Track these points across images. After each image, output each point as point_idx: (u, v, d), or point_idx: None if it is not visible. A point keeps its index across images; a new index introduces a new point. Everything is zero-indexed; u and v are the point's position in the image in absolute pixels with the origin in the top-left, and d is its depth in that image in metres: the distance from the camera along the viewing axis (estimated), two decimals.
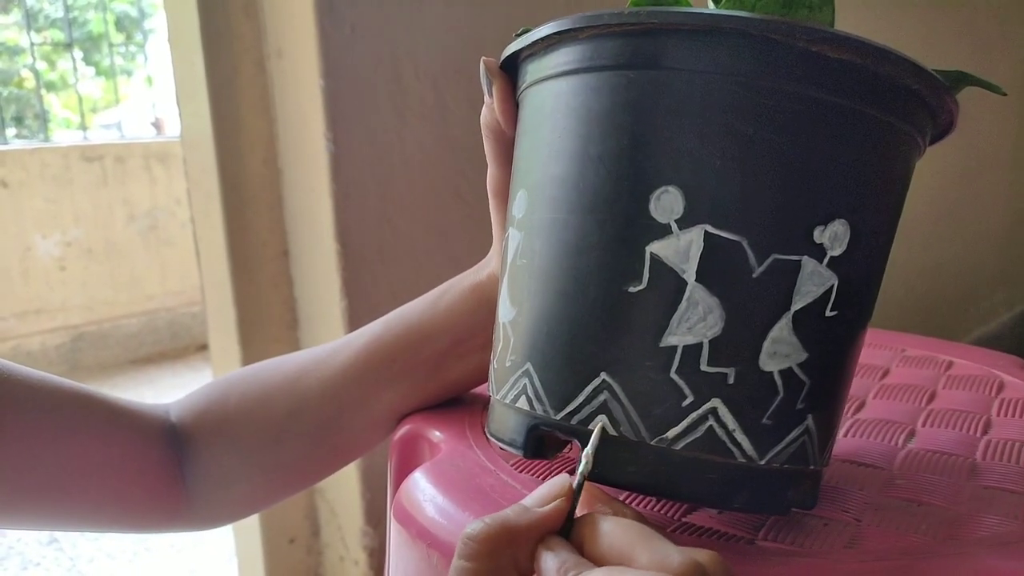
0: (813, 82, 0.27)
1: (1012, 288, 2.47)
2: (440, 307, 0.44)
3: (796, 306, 0.28)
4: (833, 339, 0.29)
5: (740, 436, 0.28)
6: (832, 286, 0.29)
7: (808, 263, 0.28)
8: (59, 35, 4.03)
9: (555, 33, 0.30)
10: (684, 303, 0.28)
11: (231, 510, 0.48)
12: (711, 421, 0.28)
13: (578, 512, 0.27)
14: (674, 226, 0.28)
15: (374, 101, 0.90)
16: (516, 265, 0.32)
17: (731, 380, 0.28)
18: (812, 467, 0.30)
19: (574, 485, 0.27)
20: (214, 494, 0.46)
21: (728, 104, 0.27)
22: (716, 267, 0.27)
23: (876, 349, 0.57)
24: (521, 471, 0.38)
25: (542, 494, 0.27)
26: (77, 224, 2.81)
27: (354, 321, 0.91)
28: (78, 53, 4.21)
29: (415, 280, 0.96)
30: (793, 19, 0.29)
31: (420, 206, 0.96)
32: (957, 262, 2.15)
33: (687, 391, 0.28)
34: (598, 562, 0.25)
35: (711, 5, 0.32)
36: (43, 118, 3.50)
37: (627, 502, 0.34)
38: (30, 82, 3.80)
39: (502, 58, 0.35)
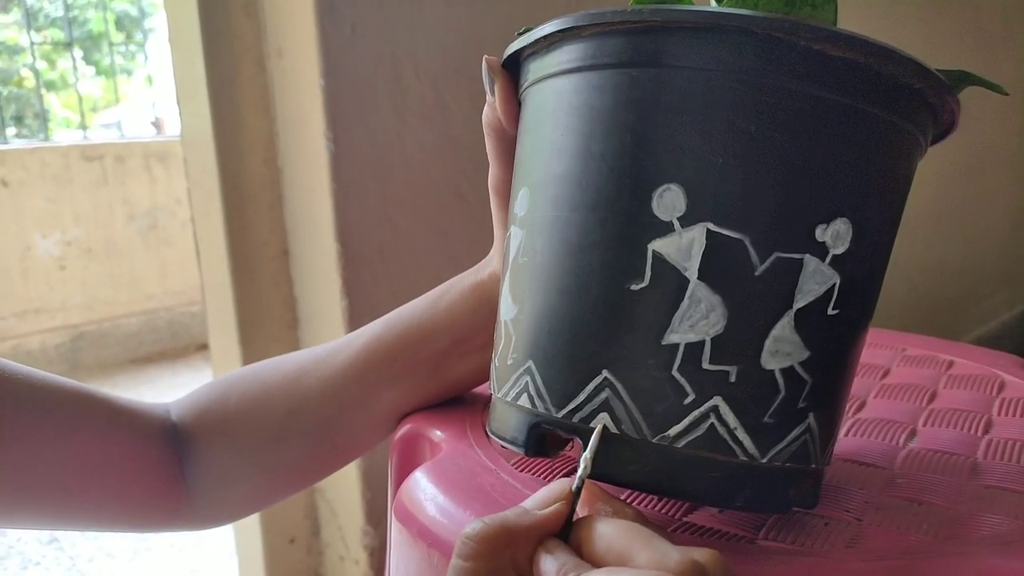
0: (815, 80, 0.27)
1: (1013, 288, 2.47)
2: (441, 306, 0.44)
3: (798, 304, 0.28)
4: (835, 338, 0.29)
5: (742, 434, 0.28)
6: (834, 285, 0.29)
7: (810, 261, 0.28)
8: (59, 34, 4.03)
9: (557, 31, 0.30)
10: (686, 301, 0.28)
11: (231, 509, 0.48)
12: (713, 419, 0.28)
13: (579, 512, 0.27)
14: (676, 224, 0.28)
15: (374, 100, 0.90)
16: (518, 263, 0.32)
17: (733, 378, 0.28)
18: (813, 466, 0.30)
19: (573, 488, 0.27)
20: (214, 493, 0.46)
21: (730, 102, 0.27)
22: (718, 265, 0.27)
23: (877, 349, 0.57)
24: (522, 470, 0.38)
25: (542, 497, 0.27)
26: (77, 223, 2.81)
27: (354, 321, 0.91)
28: (78, 52, 4.21)
29: (415, 280, 0.96)
30: (796, 17, 0.29)
31: (420, 205, 0.96)
32: (958, 262, 2.15)
33: (689, 389, 0.28)
34: (597, 564, 0.25)
35: (713, 3, 0.32)
36: (43, 117, 3.50)
37: (628, 500, 0.34)
38: (30, 81, 3.80)
39: (504, 57, 0.35)
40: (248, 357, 0.95)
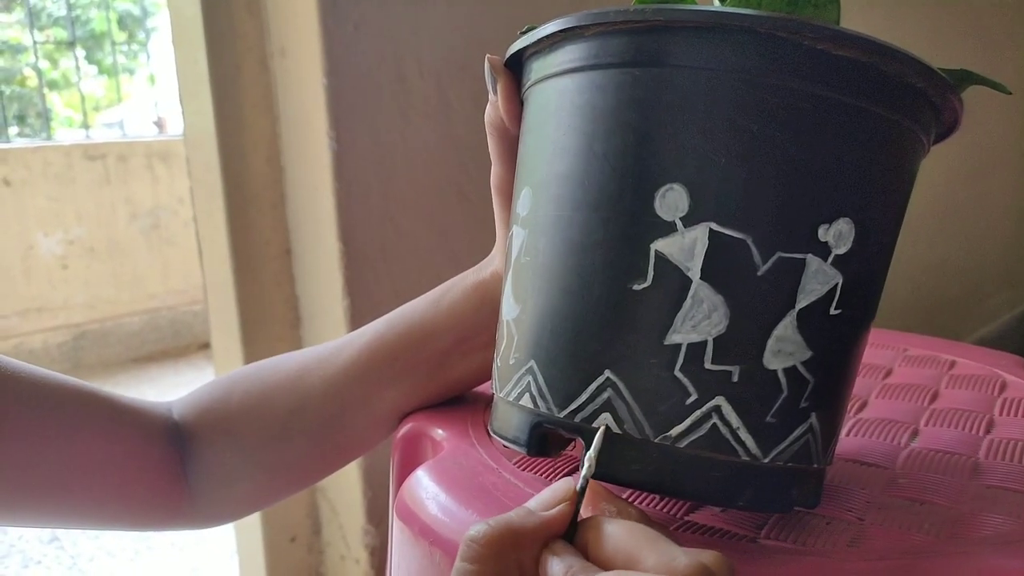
0: (818, 80, 0.27)
1: (1016, 289, 2.46)
2: (443, 305, 0.44)
3: (800, 304, 0.28)
4: (837, 337, 0.29)
5: (744, 434, 0.28)
6: (836, 284, 0.29)
7: (813, 261, 0.28)
8: (62, 33, 4.04)
9: (560, 31, 0.30)
10: (689, 301, 0.28)
11: (233, 508, 0.48)
12: (715, 419, 0.28)
13: (582, 512, 0.27)
14: (679, 224, 0.28)
15: (377, 99, 0.90)
16: (520, 263, 0.32)
17: (735, 378, 0.28)
18: (815, 465, 0.30)
19: (577, 488, 0.27)
20: (216, 492, 0.46)
21: (733, 101, 0.27)
22: (721, 265, 0.27)
23: (878, 349, 0.57)
24: (524, 469, 0.38)
25: (546, 498, 0.27)
26: (79, 222, 2.82)
27: (356, 320, 0.91)
28: (80, 52, 4.21)
29: (417, 279, 0.96)
30: (799, 16, 0.29)
31: (423, 205, 0.96)
32: (961, 261, 2.15)
33: (691, 389, 0.28)
34: (604, 565, 0.25)
35: (716, 3, 0.32)
36: (45, 117, 3.50)
37: (631, 500, 0.34)
38: (33, 80, 3.81)
39: (507, 56, 0.35)
40: (250, 356, 0.95)
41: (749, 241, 0.27)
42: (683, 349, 0.28)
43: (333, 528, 1.03)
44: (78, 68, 3.83)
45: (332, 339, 0.47)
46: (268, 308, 0.97)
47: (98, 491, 0.42)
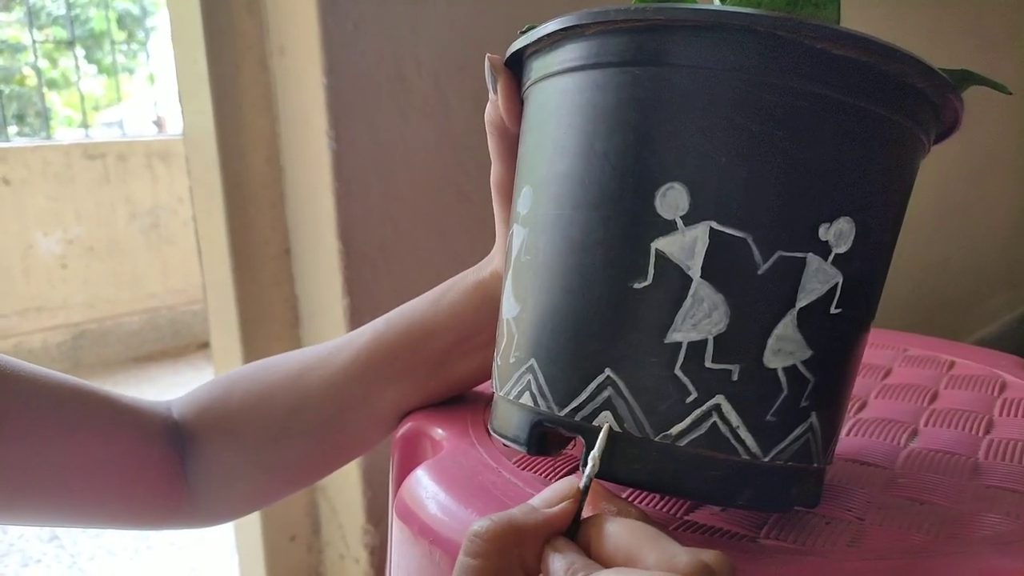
0: (818, 79, 0.27)
1: (1016, 290, 2.47)
2: (443, 304, 0.44)
3: (801, 303, 0.28)
4: (837, 337, 0.29)
5: (744, 433, 0.28)
6: (837, 283, 0.29)
7: (813, 260, 0.28)
8: (61, 33, 4.04)
9: (561, 30, 0.30)
10: (689, 300, 0.28)
11: (232, 507, 0.48)
12: (715, 418, 0.28)
13: (584, 512, 0.27)
14: (679, 222, 0.28)
15: (377, 99, 0.90)
16: (520, 261, 0.32)
17: (735, 377, 0.28)
18: (815, 465, 0.30)
19: (580, 486, 0.27)
20: (216, 491, 0.46)
21: (733, 101, 0.27)
22: (721, 264, 0.27)
23: (878, 349, 0.57)
24: (524, 468, 0.38)
25: (549, 496, 0.27)
26: (79, 222, 2.82)
27: (356, 319, 0.91)
28: (80, 51, 4.21)
29: (417, 278, 0.96)
30: (798, 16, 0.29)
31: (422, 204, 0.96)
32: (961, 263, 2.15)
33: (691, 388, 0.28)
34: (605, 563, 0.25)
35: (717, 2, 0.32)
36: (45, 116, 3.50)
37: (631, 499, 0.34)
38: (32, 80, 3.81)
39: (507, 55, 0.35)
40: (249, 356, 0.95)
41: (749, 240, 0.27)
42: (683, 348, 0.28)
43: (333, 527, 1.03)
44: (77, 67, 3.83)
45: (331, 339, 0.47)
46: (267, 307, 0.97)
47: (97, 490, 0.42)
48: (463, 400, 0.47)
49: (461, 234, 0.99)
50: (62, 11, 3.81)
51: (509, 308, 0.33)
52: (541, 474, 0.38)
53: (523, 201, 0.33)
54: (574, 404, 0.29)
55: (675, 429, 0.28)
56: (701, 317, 0.28)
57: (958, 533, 0.32)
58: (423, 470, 0.39)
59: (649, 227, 0.28)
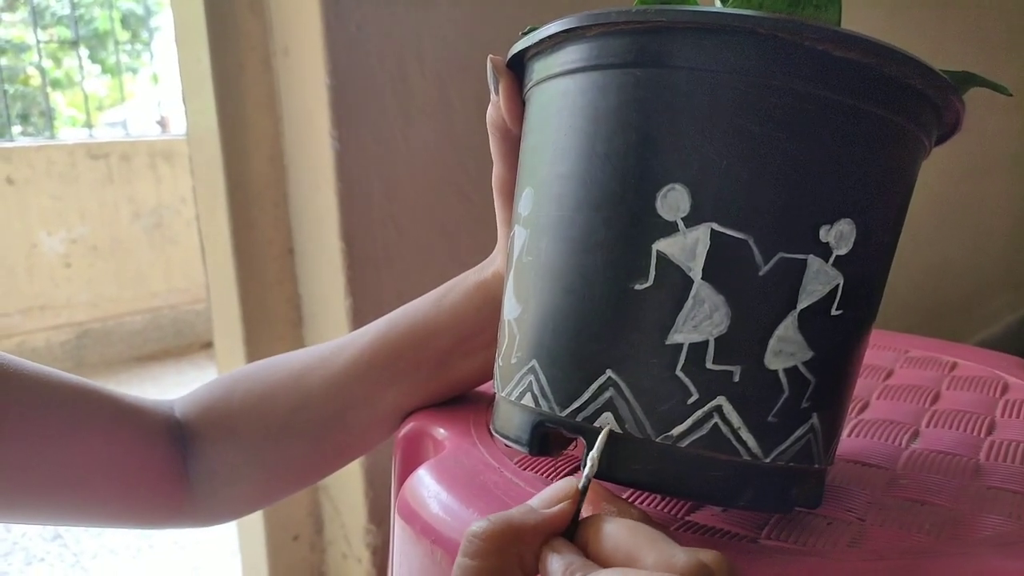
0: (819, 81, 0.27)
1: (1017, 291, 2.46)
2: (444, 305, 0.44)
3: (802, 305, 0.28)
4: (838, 338, 0.30)
5: (745, 434, 0.28)
6: (838, 285, 0.29)
7: (814, 262, 0.28)
8: (65, 33, 4.05)
9: (562, 31, 0.30)
10: (690, 301, 0.28)
11: (234, 506, 0.48)
12: (716, 419, 0.28)
13: (584, 512, 0.27)
14: (680, 224, 0.28)
15: (380, 99, 0.90)
16: (522, 262, 0.32)
17: (736, 378, 0.28)
18: (817, 466, 0.30)
19: (580, 487, 0.27)
20: (217, 490, 0.46)
21: (734, 102, 0.27)
22: (722, 265, 0.28)
23: (880, 350, 0.57)
24: (525, 468, 0.38)
25: (548, 496, 0.27)
26: (82, 221, 2.82)
27: (359, 319, 0.91)
28: (84, 51, 4.22)
29: (420, 278, 0.96)
30: (800, 17, 0.29)
31: (425, 204, 0.96)
32: (962, 265, 2.15)
33: (692, 389, 0.28)
34: (603, 563, 0.25)
35: (718, 3, 0.32)
36: (49, 115, 3.51)
37: (632, 500, 0.35)
38: (36, 80, 3.81)
39: (509, 56, 0.35)
40: (252, 355, 0.95)
41: (751, 241, 0.27)
42: (684, 349, 0.28)
43: (335, 527, 1.03)
44: (81, 67, 3.84)
45: (334, 338, 0.47)
46: (270, 307, 0.97)
47: (99, 489, 0.42)
48: (465, 400, 0.47)
49: (463, 234, 0.99)
50: (66, 11, 3.82)
51: (510, 309, 0.33)
52: (543, 474, 0.38)
53: (524, 202, 0.33)
54: (575, 405, 0.29)
55: (676, 430, 0.28)
56: (702, 318, 0.28)
57: (959, 534, 0.32)
58: (425, 470, 0.39)
59: (650, 228, 0.28)
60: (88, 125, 3.51)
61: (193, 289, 3.03)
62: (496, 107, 0.37)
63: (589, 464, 0.27)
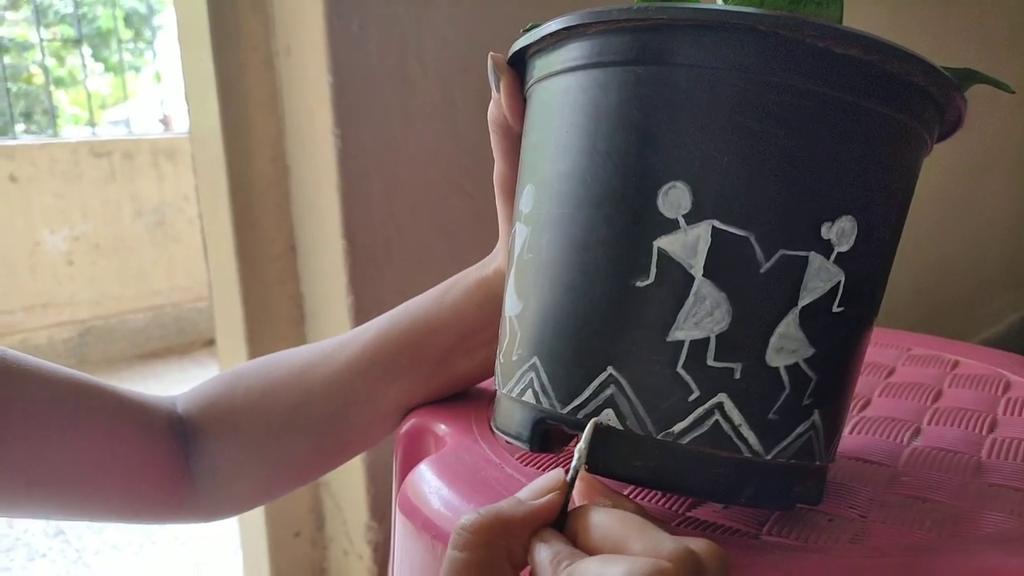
0: (820, 78, 0.27)
1: (1019, 291, 2.46)
2: (446, 302, 0.44)
3: (803, 302, 0.28)
4: (840, 335, 0.30)
5: (746, 431, 0.28)
6: (839, 282, 0.29)
7: (815, 259, 0.28)
8: (68, 31, 4.05)
9: (563, 29, 0.30)
10: (691, 298, 0.28)
11: (236, 502, 0.48)
12: (717, 416, 0.28)
13: (579, 504, 0.27)
14: (682, 221, 0.28)
15: (381, 98, 0.90)
16: (523, 259, 0.32)
17: (737, 375, 0.28)
18: (818, 463, 0.30)
19: (567, 478, 0.27)
20: (219, 486, 0.46)
21: (735, 100, 0.27)
22: (723, 262, 0.28)
23: (882, 348, 0.57)
24: (527, 465, 0.38)
25: (536, 487, 0.28)
26: (85, 219, 2.83)
27: (360, 317, 0.91)
28: (87, 49, 4.23)
29: (421, 276, 0.96)
30: (800, 15, 0.29)
31: (427, 203, 0.96)
32: (963, 263, 2.14)
33: (693, 386, 0.28)
34: (592, 553, 0.25)
35: (719, 1, 0.32)
36: (52, 114, 3.51)
37: (632, 496, 0.35)
38: (39, 78, 3.82)
39: (510, 54, 0.36)
40: (254, 353, 0.96)
41: (752, 239, 0.27)
42: (685, 346, 0.28)
43: (337, 524, 1.03)
44: (84, 66, 3.84)
45: (336, 336, 0.47)
46: (272, 305, 0.97)
47: (102, 484, 0.42)
48: (466, 396, 0.47)
49: (465, 232, 0.99)
50: (69, 9, 3.82)
51: (512, 306, 0.33)
52: (544, 470, 0.38)
53: (526, 199, 0.33)
54: (576, 402, 0.29)
55: (677, 427, 0.28)
56: (703, 315, 0.28)
57: (961, 531, 0.32)
58: (426, 465, 0.39)
59: (651, 226, 0.28)
60: (91, 123, 3.51)
61: (195, 287, 3.03)
62: (497, 104, 0.38)
63: (577, 455, 0.27)
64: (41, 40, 3.39)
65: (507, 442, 0.36)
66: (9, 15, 3.70)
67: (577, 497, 0.28)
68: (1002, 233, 2.34)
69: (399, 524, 0.38)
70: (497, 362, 0.34)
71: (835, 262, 0.28)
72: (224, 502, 0.47)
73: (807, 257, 0.28)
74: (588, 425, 0.28)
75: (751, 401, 0.28)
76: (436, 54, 0.94)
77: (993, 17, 2.03)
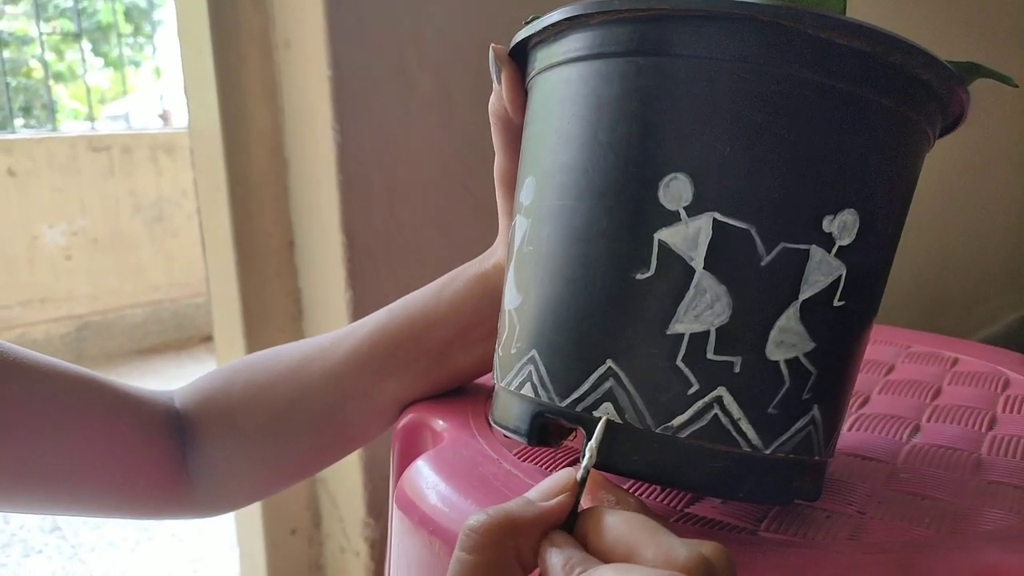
0: (822, 69, 0.27)
1: (1019, 289, 2.46)
2: (444, 296, 0.44)
3: (804, 295, 0.28)
4: (840, 329, 0.29)
5: (745, 425, 0.28)
6: (840, 276, 0.29)
7: (816, 252, 0.28)
8: (68, 25, 4.04)
9: (565, 19, 0.30)
10: (692, 291, 0.28)
11: (233, 497, 0.48)
12: (716, 410, 0.28)
13: (582, 502, 0.27)
14: (683, 213, 0.28)
15: (381, 92, 0.90)
16: (523, 252, 0.32)
17: (737, 369, 0.28)
18: (817, 458, 0.30)
19: (578, 478, 0.27)
20: (216, 481, 0.46)
21: (737, 91, 0.27)
22: (724, 255, 0.27)
23: (881, 345, 0.57)
24: (524, 459, 0.38)
25: (546, 488, 0.27)
26: (84, 214, 2.82)
27: (359, 312, 0.91)
28: (87, 44, 4.22)
29: (420, 271, 0.96)
30: (802, 5, 0.29)
31: (425, 197, 0.96)
32: (964, 260, 2.14)
33: (693, 379, 0.28)
34: (603, 557, 0.25)
35: None
36: (51, 108, 3.51)
37: (631, 490, 0.34)
38: (38, 72, 3.81)
39: (511, 45, 0.35)
40: (252, 348, 0.95)
41: (753, 231, 0.27)
42: (685, 339, 0.28)
43: (333, 521, 1.03)
44: (84, 60, 3.84)
45: (334, 331, 0.47)
46: (270, 300, 0.97)
47: (97, 478, 0.42)
48: (464, 391, 0.47)
49: (464, 227, 0.99)
50: (69, 3, 3.81)
51: (511, 299, 0.33)
52: (542, 465, 0.38)
53: (526, 192, 0.33)
54: (575, 395, 0.29)
55: (676, 421, 0.28)
56: (703, 308, 0.28)
57: (959, 528, 0.32)
58: (423, 461, 0.39)
59: (652, 218, 0.28)
60: (90, 118, 3.51)
61: (193, 282, 3.03)
62: (498, 96, 0.37)
63: (588, 455, 0.27)
64: (40, 34, 3.38)
65: (505, 436, 0.36)
66: (9, 9, 3.69)
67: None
68: (1003, 230, 2.34)
69: (396, 520, 0.38)
70: (496, 355, 0.34)
71: (836, 256, 0.28)
72: (221, 497, 0.47)
73: (808, 250, 0.28)
74: (600, 422, 0.28)
75: (750, 395, 0.28)
76: (436, 48, 0.93)
77: (996, 11, 2.03)
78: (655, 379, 0.28)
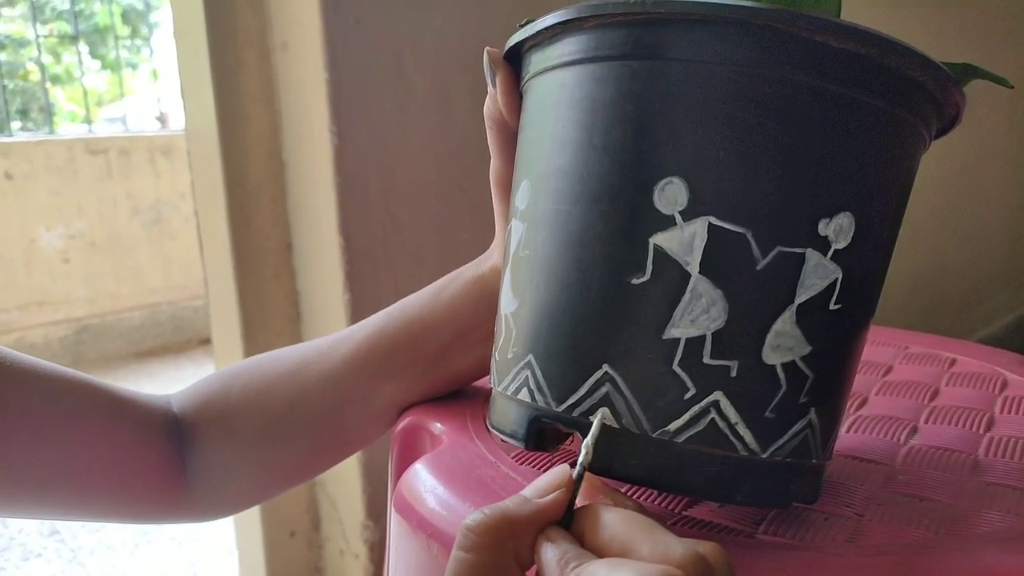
0: (815, 72, 0.27)
1: (1015, 291, 2.46)
2: (442, 299, 0.44)
3: (800, 299, 0.28)
4: (837, 333, 0.29)
5: (742, 429, 0.28)
6: (836, 279, 0.29)
7: (812, 256, 0.28)
8: (65, 28, 4.04)
9: (560, 23, 0.30)
10: (687, 295, 0.28)
11: (231, 502, 0.48)
12: (713, 414, 0.28)
13: (579, 503, 0.27)
14: (678, 217, 0.27)
15: (378, 94, 0.90)
16: (519, 256, 0.32)
17: (734, 373, 0.28)
18: (814, 461, 0.30)
19: (574, 476, 0.27)
20: (214, 486, 0.46)
21: (731, 94, 0.27)
22: (720, 259, 0.27)
23: (879, 346, 0.57)
24: (522, 463, 0.38)
25: (542, 485, 0.27)
26: (81, 217, 2.82)
27: (357, 314, 0.91)
28: (84, 46, 4.21)
29: (417, 273, 0.96)
30: (797, 8, 0.29)
31: (423, 199, 0.96)
32: (960, 262, 2.14)
33: (689, 384, 0.28)
34: (599, 553, 0.25)
35: None
36: (48, 111, 3.50)
37: (628, 495, 0.34)
38: (35, 75, 3.81)
39: (506, 48, 0.35)
40: (250, 351, 0.95)
41: (748, 235, 0.27)
42: (681, 344, 0.28)
43: (332, 523, 1.03)
44: (81, 63, 3.83)
45: (332, 334, 0.47)
46: (268, 303, 0.97)
47: (96, 483, 0.42)
48: (462, 395, 0.47)
49: (461, 229, 0.99)
50: (66, 6, 3.81)
51: (507, 303, 0.33)
52: (539, 469, 0.38)
53: (521, 195, 0.33)
54: (572, 400, 0.29)
55: (673, 425, 0.28)
56: (699, 313, 0.28)
57: (958, 529, 0.32)
58: (422, 464, 0.38)
59: (648, 222, 0.28)
60: (87, 121, 3.50)
61: (191, 285, 3.03)
62: (493, 100, 0.37)
63: (584, 452, 0.27)
64: (37, 37, 3.38)
65: (502, 440, 0.36)
66: (5, 11, 3.69)
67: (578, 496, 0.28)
68: (1000, 231, 2.34)
69: (394, 523, 0.38)
70: (492, 360, 0.34)
71: (832, 259, 0.28)
72: (219, 501, 0.47)
73: (804, 254, 0.28)
74: (596, 419, 0.28)
75: (747, 399, 0.28)
76: (433, 50, 0.93)
77: (991, 13, 2.03)
78: (652, 384, 0.28)
